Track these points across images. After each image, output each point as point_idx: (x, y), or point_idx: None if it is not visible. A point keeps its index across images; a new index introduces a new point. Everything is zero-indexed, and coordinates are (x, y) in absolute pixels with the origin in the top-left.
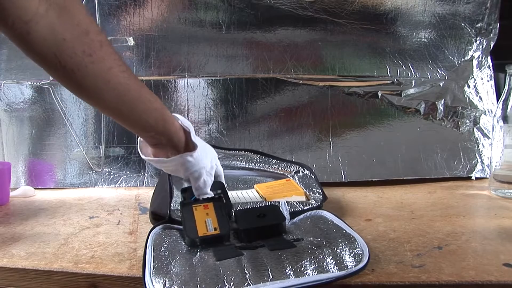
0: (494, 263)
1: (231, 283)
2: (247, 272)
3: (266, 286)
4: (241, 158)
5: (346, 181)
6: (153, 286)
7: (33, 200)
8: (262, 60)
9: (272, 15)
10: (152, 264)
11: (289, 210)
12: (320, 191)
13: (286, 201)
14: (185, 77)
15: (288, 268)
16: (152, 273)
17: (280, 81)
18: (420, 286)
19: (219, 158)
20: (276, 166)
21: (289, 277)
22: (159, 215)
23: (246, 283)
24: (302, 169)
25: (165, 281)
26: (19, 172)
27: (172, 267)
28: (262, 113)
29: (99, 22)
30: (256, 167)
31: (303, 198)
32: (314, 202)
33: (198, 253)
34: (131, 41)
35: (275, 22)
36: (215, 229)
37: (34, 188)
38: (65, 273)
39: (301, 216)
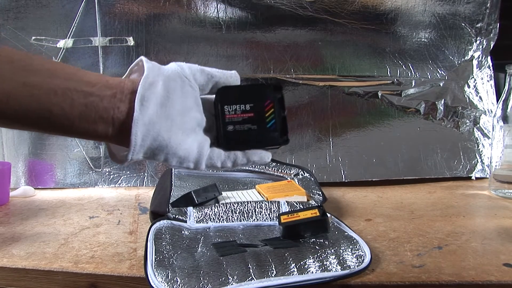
0: (494, 263)
1: (235, 277)
2: (251, 267)
3: (270, 281)
4: None
5: (346, 181)
6: (156, 278)
7: (33, 200)
8: (262, 60)
9: (272, 15)
10: (154, 257)
11: (289, 210)
12: (320, 193)
13: (287, 201)
14: None
15: (292, 265)
16: (154, 266)
17: (280, 81)
18: (420, 286)
19: None
20: (276, 169)
21: (293, 274)
22: (158, 214)
23: (250, 277)
24: (301, 172)
25: (168, 273)
26: (19, 172)
27: (174, 260)
28: None
29: (99, 22)
30: (256, 169)
31: (305, 199)
32: (314, 203)
33: (200, 249)
34: (131, 41)
35: (275, 22)
36: None
37: (34, 188)
38: (65, 273)
39: None
